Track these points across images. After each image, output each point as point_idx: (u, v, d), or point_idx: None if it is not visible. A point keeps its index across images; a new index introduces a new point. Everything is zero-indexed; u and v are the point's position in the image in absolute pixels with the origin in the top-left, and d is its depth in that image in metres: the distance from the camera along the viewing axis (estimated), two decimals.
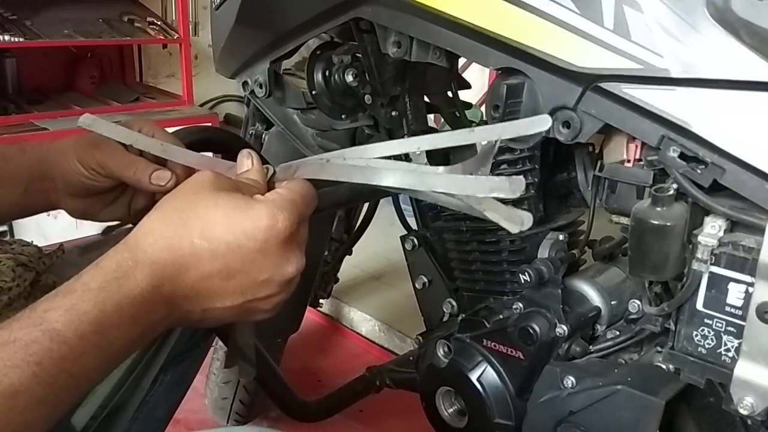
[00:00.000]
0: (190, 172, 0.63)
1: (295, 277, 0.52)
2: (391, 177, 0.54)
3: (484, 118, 0.78)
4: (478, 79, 1.40)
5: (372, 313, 1.87)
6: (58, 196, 0.67)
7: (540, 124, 0.54)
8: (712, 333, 0.61)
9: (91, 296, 0.45)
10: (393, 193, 0.93)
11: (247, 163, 0.57)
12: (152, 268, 0.47)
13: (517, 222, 0.51)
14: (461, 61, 0.93)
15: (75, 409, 0.65)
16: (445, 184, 0.52)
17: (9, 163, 0.67)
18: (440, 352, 0.86)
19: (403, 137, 0.91)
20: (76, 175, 0.64)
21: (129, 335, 0.47)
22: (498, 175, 0.78)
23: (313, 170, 0.57)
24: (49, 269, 0.72)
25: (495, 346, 0.79)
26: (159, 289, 0.47)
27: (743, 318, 0.58)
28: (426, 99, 0.97)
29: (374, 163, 0.56)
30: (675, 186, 0.60)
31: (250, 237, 0.48)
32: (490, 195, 0.49)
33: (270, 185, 0.57)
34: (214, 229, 0.48)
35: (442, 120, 1.09)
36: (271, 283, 0.50)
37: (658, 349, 0.70)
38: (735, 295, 0.58)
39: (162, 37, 2.97)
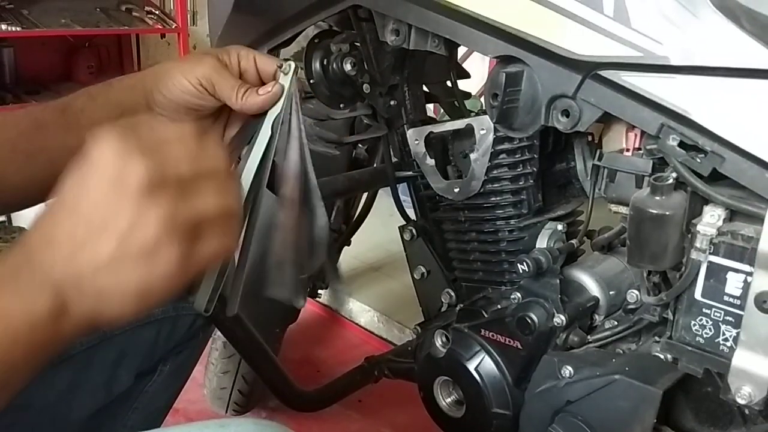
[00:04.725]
0: None
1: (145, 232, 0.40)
2: None
3: (483, 109, 0.77)
4: (478, 70, 1.38)
5: (371, 303, 1.87)
6: None
7: None
8: (711, 322, 0.61)
9: None
10: (391, 184, 0.93)
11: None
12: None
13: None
14: (461, 50, 0.93)
15: None
16: None
17: (96, 100, 0.65)
18: (438, 342, 0.86)
19: (402, 126, 0.91)
20: (180, 92, 0.62)
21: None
22: (497, 164, 0.78)
23: None
24: None
25: (493, 335, 0.79)
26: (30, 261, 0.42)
27: (741, 307, 0.58)
28: (425, 88, 0.96)
29: None
30: (674, 175, 0.60)
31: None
32: None
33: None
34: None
35: (442, 110, 1.08)
36: (110, 232, 0.41)
37: (656, 338, 0.70)
38: (733, 284, 0.58)
39: (160, 27, 2.96)
